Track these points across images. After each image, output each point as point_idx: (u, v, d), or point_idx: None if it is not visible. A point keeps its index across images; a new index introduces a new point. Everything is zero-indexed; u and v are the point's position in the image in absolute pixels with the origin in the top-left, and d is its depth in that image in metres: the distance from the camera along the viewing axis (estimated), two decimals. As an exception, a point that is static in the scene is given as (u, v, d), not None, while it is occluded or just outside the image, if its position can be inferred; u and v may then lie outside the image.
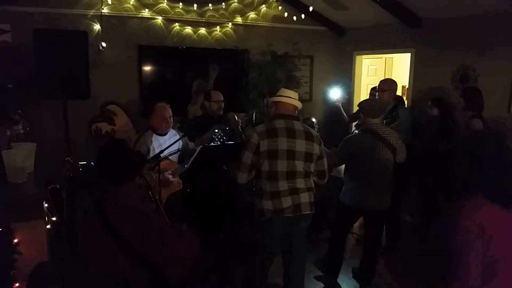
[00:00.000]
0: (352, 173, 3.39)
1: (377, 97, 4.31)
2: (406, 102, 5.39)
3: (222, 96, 4.27)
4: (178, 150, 3.62)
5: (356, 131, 3.75)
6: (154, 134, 3.57)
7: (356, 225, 3.91)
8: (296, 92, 2.98)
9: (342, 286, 3.66)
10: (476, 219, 1.65)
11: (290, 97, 2.89)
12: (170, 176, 3.39)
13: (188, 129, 4.07)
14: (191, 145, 3.83)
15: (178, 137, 3.63)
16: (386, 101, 4.14)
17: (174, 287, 2.13)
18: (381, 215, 3.45)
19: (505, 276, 1.69)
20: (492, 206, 1.70)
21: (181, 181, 3.65)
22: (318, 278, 3.78)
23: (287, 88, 2.99)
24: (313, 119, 5.50)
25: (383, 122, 3.61)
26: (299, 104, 2.93)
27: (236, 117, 4.17)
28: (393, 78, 7.08)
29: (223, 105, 4.25)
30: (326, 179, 3.02)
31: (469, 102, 3.94)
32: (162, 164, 3.18)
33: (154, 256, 1.96)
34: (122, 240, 1.91)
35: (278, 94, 2.93)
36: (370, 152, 3.26)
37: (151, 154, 3.36)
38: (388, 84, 4.22)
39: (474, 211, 1.69)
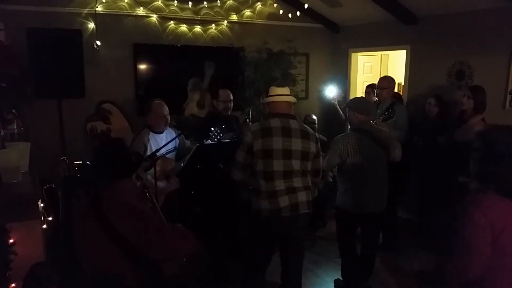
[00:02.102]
0: (344, 175, 3.29)
1: (375, 94, 4.30)
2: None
3: (231, 96, 4.22)
4: (175, 148, 3.61)
5: None
6: (151, 133, 3.56)
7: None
8: (286, 87, 2.91)
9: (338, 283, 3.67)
10: (488, 215, 1.66)
11: (281, 95, 2.84)
12: (162, 184, 3.38)
13: (190, 128, 4.05)
14: (187, 143, 3.82)
15: (174, 135, 3.62)
16: (385, 98, 4.14)
17: (171, 285, 2.13)
18: (377, 217, 3.34)
19: None
20: (502, 201, 1.70)
21: (178, 179, 3.64)
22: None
23: (277, 85, 2.91)
24: (314, 116, 5.51)
25: (374, 121, 3.54)
26: (292, 99, 2.88)
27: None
28: (388, 75, 7.12)
29: (230, 105, 4.20)
30: (320, 178, 3.02)
31: (477, 103, 3.83)
32: (159, 163, 3.17)
33: (151, 253, 1.96)
34: (118, 237, 1.91)
35: (269, 94, 2.88)
36: (360, 152, 3.15)
37: (148, 153, 3.35)
38: (388, 82, 4.23)
39: (486, 207, 1.69)
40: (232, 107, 4.26)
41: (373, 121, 3.56)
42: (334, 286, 3.68)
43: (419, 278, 3.70)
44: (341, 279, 3.63)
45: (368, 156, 3.17)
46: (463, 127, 3.85)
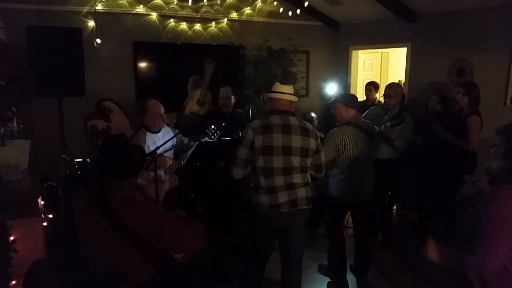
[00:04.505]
0: (340, 167, 3.37)
1: (383, 102, 4.26)
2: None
3: (230, 93, 4.26)
4: (173, 146, 3.62)
5: None
6: (147, 132, 3.57)
7: (351, 220, 3.93)
8: (291, 86, 2.95)
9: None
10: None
11: (285, 93, 2.87)
12: (163, 174, 3.39)
13: (190, 126, 4.08)
14: (185, 140, 3.82)
15: (172, 133, 3.62)
16: (393, 106, 4.06)
17: (183, 277, 2.14)
18: (367, 204, 3.46)
19: None
20: None
21: (177, 177, 3.65)
22: (325, 274, 3.77)
23: (281, 83, 2.96)
24: (313, 114, 5.51)
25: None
26: (294, 99, 2.91)
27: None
28: (389, 72, 7.10)
29: (228, 102, 4.24)
30: (323, 173, 3.03)
31: (471, 99, 3.86)
32: (157, 161, 3.17)
33: (163, 247, 1.96)
34: (130, 234, 1.89)
35: (272, 89, 2.91)
36: (355, 144, 3.29)
37: (146, 152, 3.34)
38: (394, 90, 4.10)
39: (509, 198, 1.72)
40: (232, 105, 4.28)
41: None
42: (318, 270, 3.85)
43: (418, 275, 3.73)
44: (325, 264, 3.78)
45: (362, 147, 3.33)
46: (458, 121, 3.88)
